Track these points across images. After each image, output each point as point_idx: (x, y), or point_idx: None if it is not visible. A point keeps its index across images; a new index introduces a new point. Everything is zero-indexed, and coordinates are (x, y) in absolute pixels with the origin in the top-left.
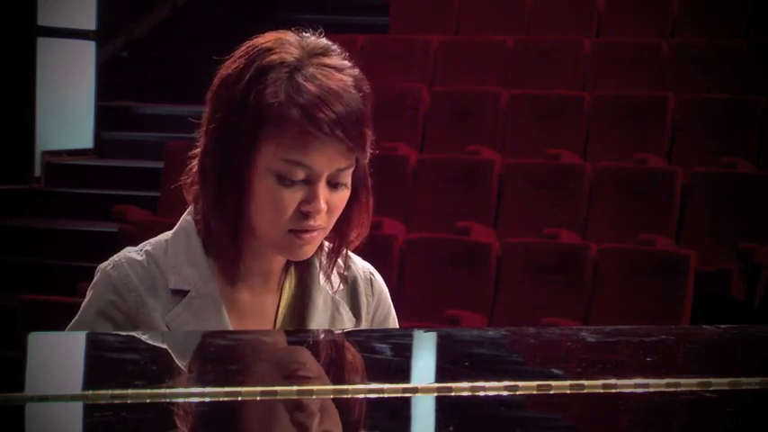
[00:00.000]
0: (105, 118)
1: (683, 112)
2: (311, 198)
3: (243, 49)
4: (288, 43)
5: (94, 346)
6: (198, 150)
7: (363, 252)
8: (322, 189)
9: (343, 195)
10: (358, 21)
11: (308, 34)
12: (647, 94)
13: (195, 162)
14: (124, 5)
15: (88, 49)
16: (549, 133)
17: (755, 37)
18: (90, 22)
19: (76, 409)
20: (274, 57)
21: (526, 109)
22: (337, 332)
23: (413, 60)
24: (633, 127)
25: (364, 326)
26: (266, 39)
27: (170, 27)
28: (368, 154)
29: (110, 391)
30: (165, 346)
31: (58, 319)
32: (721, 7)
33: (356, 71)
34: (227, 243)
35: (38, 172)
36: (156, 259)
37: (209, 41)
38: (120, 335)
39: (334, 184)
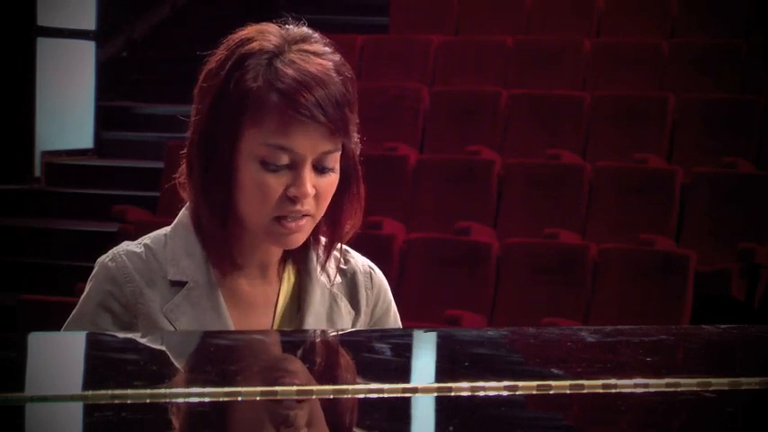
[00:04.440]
0: (105, 118)
1: (683, 112)
2: (297, 182)
3: (225, 41)
4: (268, 32)
5: (94, 346)
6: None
7: (363, 252)
8: (308, 173)
9: (330, 180)
10: (358, 21)
11: (289, 26)
12: (647, 94)
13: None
14: (124, 5)
15: (88, 49)
16: (549, 133)
17: (755, 37)
18: (90, 22)
19: (76, 409)
20: (254, 44)
21: (526, 109)
22: (337, 332)
23: (413, 60)
24: (633, 127)
25: (364, 319)
26: (247, 30)
27: (170, 27)
28: (354, 139)
29: (110, 391)
30: (164, 347)
31: (57, 319)
32: (721, 7)
33: (337, 56)
34: (218, 235)
35: (38, 172)
36: (154, 252)
37: (209, 41)
38: (120, 335)
39: (320, 169)
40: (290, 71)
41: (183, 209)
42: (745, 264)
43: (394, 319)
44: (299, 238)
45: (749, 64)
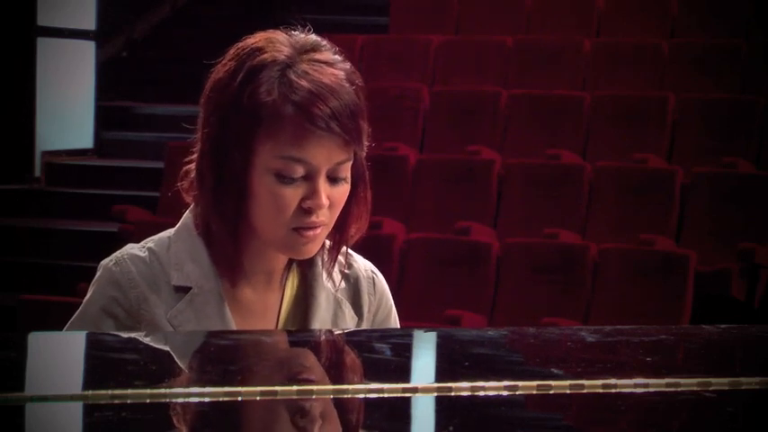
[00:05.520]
0: (105, 118)
1: (683, 112)
2: (312, 194)
3: (233, 51)
4: (278, 42)
5: (94, 346)
6: (195, 156)
7: (363, 252)
8: (322, 184)
9: (343, 189)
10: (358, 21)
11: (296, 32)
12: (647, 94)
13: (192, 166)
14: (124, 5)
15: (88, 49)
16: (549, 133)
17: (755, 37)
18: (90, 22)
19: (76, 409)
20: (265, 56)
21: (526, 109)
22: (337, 332)
23: (413, 60)
24: (633, 127)
25: (365, 325)
26: (256, 39)
27: (170, 27)
28: (365, 147)
29: (110, 391)
30: (165, 346)
31: (58, 319)
32: (721, 7)
33: (347, 65)
34: (228, 244)
35: (38, 172)
36: (158, 256)
37: (209, 41)
38: (121, 335)
39: (334, 179)
40: (304, 83)
41: (188, 212)
42: (745, 264)
43: (394, 324)
44: (314, 248)
45: (749, 64)
